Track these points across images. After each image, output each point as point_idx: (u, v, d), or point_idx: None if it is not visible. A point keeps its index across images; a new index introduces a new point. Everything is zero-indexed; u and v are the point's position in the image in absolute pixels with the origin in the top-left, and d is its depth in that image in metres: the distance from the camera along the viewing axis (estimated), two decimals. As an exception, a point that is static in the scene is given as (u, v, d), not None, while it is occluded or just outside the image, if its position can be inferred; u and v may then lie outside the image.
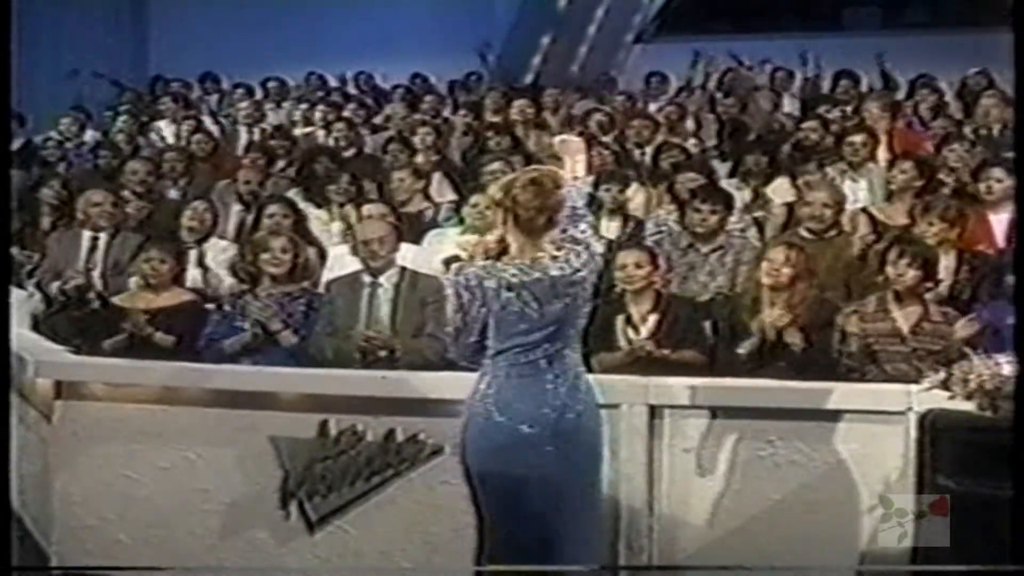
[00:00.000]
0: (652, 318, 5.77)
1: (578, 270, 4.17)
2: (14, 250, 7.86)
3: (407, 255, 6.58)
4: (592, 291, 4.27)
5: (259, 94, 12.25)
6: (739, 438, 4.96)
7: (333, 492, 5.25)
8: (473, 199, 6.98)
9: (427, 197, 7.99)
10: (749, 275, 6.19)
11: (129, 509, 5.45)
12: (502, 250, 4.22)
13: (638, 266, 5.90)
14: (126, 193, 7.90)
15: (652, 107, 11.42)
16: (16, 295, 6.89)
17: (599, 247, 4.37)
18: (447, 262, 4.16)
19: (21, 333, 6.52)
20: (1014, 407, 4.40)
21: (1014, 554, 4.14)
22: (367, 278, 6.13)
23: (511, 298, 4.12)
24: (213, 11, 14.64)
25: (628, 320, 5.84)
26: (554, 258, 4.15)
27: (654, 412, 4.99)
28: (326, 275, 6.70)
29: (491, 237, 4.28)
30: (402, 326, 5.98)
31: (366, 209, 7.07)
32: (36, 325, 6.82)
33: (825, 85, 11.88)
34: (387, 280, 6.10)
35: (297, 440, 5.25)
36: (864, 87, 11.27)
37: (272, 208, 7.20)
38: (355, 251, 6.29)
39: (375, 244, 6.14)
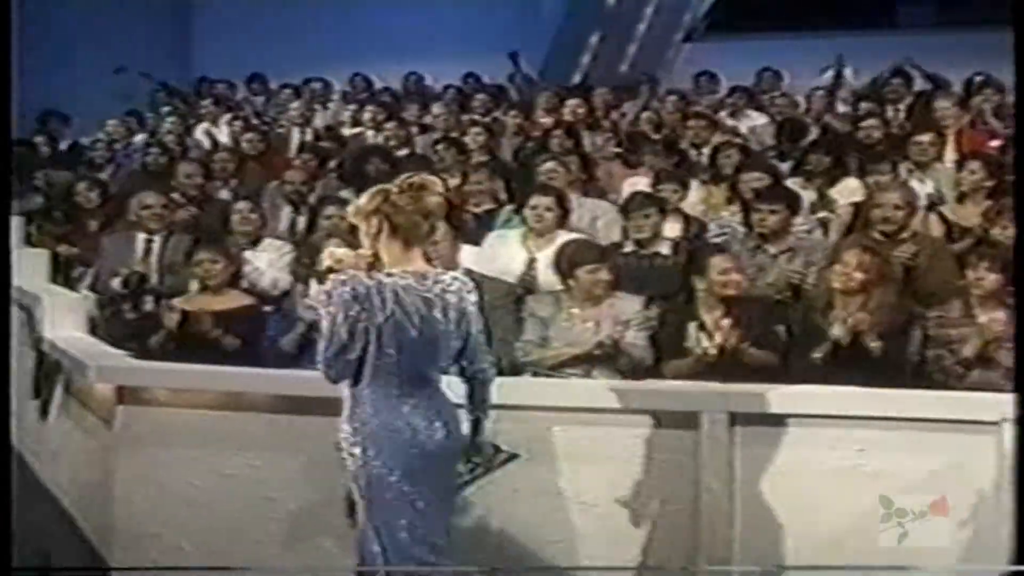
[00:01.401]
0: (725, 323, 5.61)
1: (454, 291, 4.08)
2: (61, 248, 7.85)
3: (467, 257, 6.43)
4: (459, 321, 4.11)
5: (304, 95, 12.11)
6: (822, 447, 4.81)
7: (404, 499, 5.12)
8: (533, 200, 6.87)
9: (492, 198, 7.81)
10: (821, 278, 6.02)
11: (193, 516, 5.35)
12: (374, 263, 4.07)
13: (723, 272, 5.76)
14: (176, 195, 7.81)
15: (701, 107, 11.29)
16: (71, 298, 6.82)
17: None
18: (325, 273, 4.01)
19: (79, 337, 6.46)
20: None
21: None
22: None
23: (395, 309, 3.97)
24: (256, 11, 14.54)
25: (701, 326, 5.69)
26: (433, 272, 4.08)
27: (734, 420, 4.85)
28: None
29: (364, 249, 4.11)
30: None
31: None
32: (93, 329, 6.73)
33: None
34: (451, 283, 5.96)
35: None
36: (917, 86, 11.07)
37: (329, 209, 7.09)
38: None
39: (439, 245, 5.99)
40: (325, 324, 3.98)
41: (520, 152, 9.83)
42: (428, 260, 4.15)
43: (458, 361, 4.18)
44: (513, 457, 5.00)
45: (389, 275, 3.98)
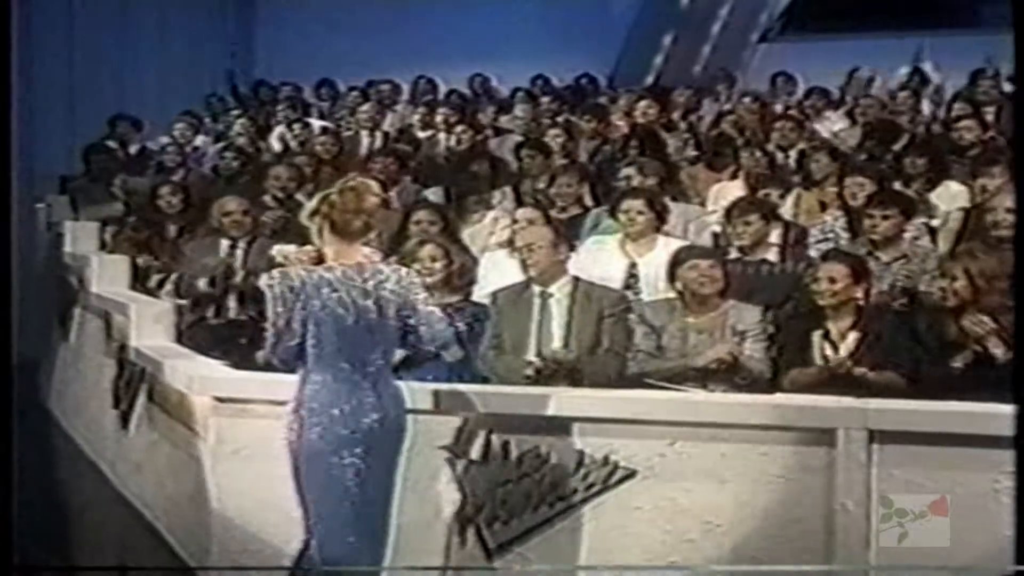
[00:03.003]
0: (852, 335, 5.33)
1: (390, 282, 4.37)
2: (140, 259, 7.68)
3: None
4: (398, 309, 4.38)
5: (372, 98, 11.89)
6: (966, 468, 4.54)
7: (514, 518, 4.91)
8: (624, 204, 6.63)
9: (580, 202, 7.56)
10: (944, 285, 5.72)
11: (294, 531, 5.11)
12: (319, 259, 4.47)
13: (832, 280, 5.48)
14: (267, 198, 7.63)
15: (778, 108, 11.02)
16: (159, 306, 6.64)
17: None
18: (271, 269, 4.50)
19: (169, 346, 6.28)
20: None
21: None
22: (536, 288, 5.76)
23: (331, 300, 4.27)
24: (319, 14, 14.35)
25: (826, 335, 5.42)
26: (371, 265, 4.38)
27: (872, 437, 4.58)
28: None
29: (308, 248, 4.55)
30: (577, 340, 5.59)
31: (520, 213, 6.69)
32: (179, 337, 6.54)
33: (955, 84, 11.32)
34: (559, 291, 5.73)
35: (475, 463, 4.93)
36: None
37: (419, 214, 6.84)
38: (522, 264, 5.89)
39: (537, 251, 5.77)
40: (268, 315, 4.34)
41: (596, 155, 9.62)
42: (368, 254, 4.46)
43: (416, 347, 4.52)
44: (631, 474, 4.82)
45: (328, 269, 4.33)
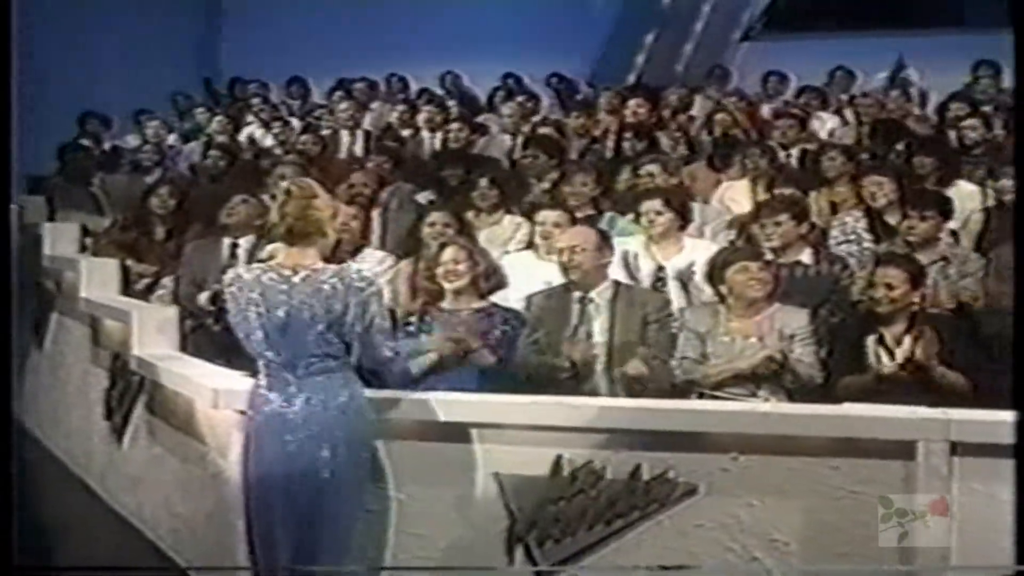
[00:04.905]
0: (907, 340, 5.11)
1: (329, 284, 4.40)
2: (130, 263, 7.33)
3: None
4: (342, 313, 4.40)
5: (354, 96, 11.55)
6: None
7: (567, 537, 4.62)
8: (643, 206, 6.40)
9: (594, 203, 7.28)
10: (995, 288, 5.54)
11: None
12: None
13: (889, 287, 5.26)
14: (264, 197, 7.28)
15: (766, 108, 10.84)
16: (163, 313, 6.28)
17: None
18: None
19: (176, 356, 5.95)
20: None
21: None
22: (576, 293, 5.47)
23: (257, 300, 4.38)
24: (285, 11, 13.98)
25: (881, 340, 5.19)
26: (320, 267, 4.42)
27: (954, 450, 4.34)
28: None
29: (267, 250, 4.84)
30: (620, 347, 5.31)
31: (544, 216, 6.40)
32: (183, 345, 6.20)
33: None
34: (599, 296, 5.45)
35: (526, 478, 4.63)
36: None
37: (433, 216, 6.54)
38: (563, 268, 5.59)
39: (580, 254, 5.49)
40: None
41: (586, 154, 9.36)
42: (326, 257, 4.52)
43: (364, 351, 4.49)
44: (692, 490, 4.56)
45: (266, 270, 4.44)
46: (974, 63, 10.53)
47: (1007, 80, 10.24)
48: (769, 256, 6.09)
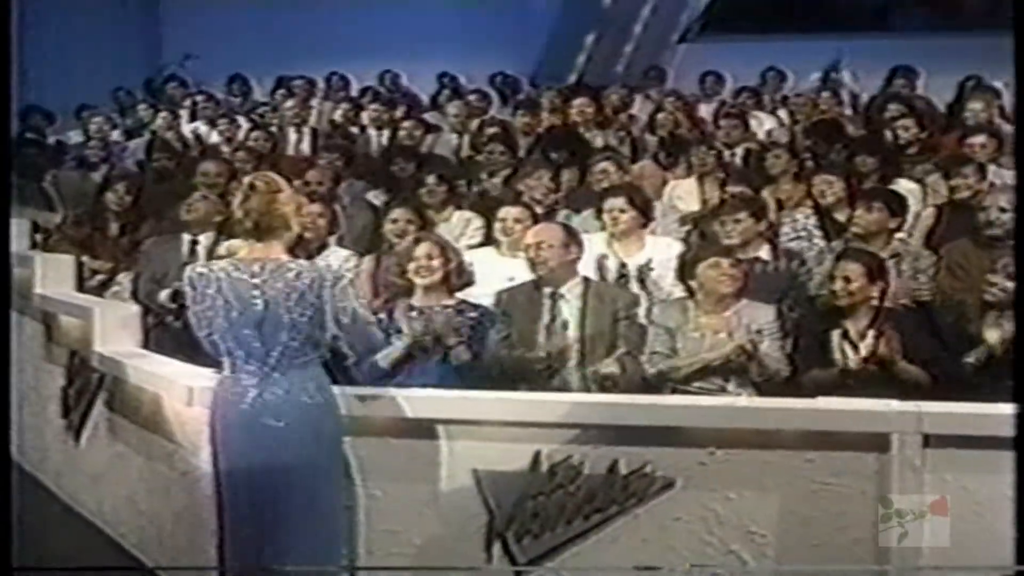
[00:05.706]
0: (871, 334, 5.22)
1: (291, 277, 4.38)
2: (85, 259, 7.25)
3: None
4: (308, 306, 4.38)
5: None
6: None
7: (546, 532, 4.66)
8: (606, 204, 6.46)
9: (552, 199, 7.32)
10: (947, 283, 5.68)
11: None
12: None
13: (847, 280, 5.37)
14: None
15: (704, 108, 10.98)
16: (126, 310, 6.23)
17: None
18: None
19: (144, 353, 5.90)
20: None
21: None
22: (546, 289, 5.52)
23: (219, 293, 4.38)
24: (225, 9, 13.89)
25: (845, 335, 5.30)
26: (284, 261, 4.41)
27: (927, 442, 4.45)
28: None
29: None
30: (590, 343, 5.37)
31: (505, 212, 6.43)
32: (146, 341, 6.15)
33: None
34: (569, 291, 5.51)
35: (504, 474, 4.66)
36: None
37: (395, 213, 6.55)
38: (531, 264, 5.63)
39: (547, 250, 5.54)
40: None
41: (532, 152, 9.41)
42: (291, 251, 4.52)
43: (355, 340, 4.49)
44: (670, 484, 4.63)
45: (231, 264, 4.44)
46: (891, 69, 10.78)
47: (920, 86, 10.57)
48: (728, 252, 6.20)
